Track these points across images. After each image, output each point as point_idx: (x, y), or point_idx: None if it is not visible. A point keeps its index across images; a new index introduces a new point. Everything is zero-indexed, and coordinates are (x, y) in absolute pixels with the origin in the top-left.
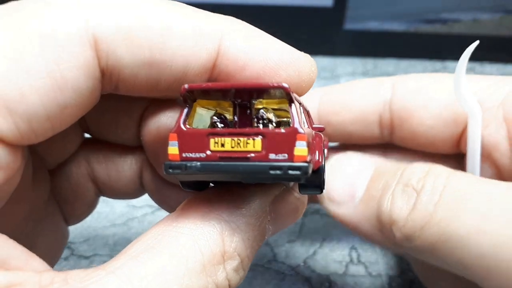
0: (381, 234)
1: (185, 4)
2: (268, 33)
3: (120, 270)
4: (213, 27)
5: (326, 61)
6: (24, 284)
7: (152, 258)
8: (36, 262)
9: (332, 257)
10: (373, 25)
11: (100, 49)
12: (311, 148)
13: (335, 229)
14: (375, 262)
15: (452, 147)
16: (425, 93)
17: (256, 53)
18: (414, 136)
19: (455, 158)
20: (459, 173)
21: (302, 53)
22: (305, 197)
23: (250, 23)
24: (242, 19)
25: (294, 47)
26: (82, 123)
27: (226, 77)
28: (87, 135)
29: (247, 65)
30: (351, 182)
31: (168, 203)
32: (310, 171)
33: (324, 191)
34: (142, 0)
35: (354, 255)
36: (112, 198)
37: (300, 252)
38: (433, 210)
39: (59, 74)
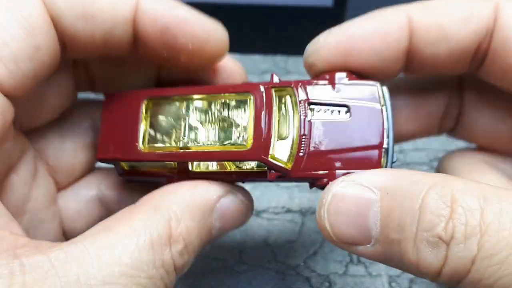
0: (411, 271)
1: None
2: (268, 32)
3: (81, 242)
4: None
5: None
6: None
7: (108, 235)
8: (15, 227)
9: (332, 257)
10: None
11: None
12: None
13: None
14: (375, 262)
15: None
16: None
17: (165, 9)
18: (506, 73)
19: None
20: (499, 198)
21: (212, 20)
22: (250, 200)
23: (250, 23)
24: (242, 19)
25: (294, 47)
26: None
27: (145, 32)
28: (100, 165)
29: (158, 19)
30: (359, 220)
31: None
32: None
33: (331, 234)
34: None
35: (354, 255)
36: None
37: (300, 252)
38: (470, 265)
39: (25, 22)
